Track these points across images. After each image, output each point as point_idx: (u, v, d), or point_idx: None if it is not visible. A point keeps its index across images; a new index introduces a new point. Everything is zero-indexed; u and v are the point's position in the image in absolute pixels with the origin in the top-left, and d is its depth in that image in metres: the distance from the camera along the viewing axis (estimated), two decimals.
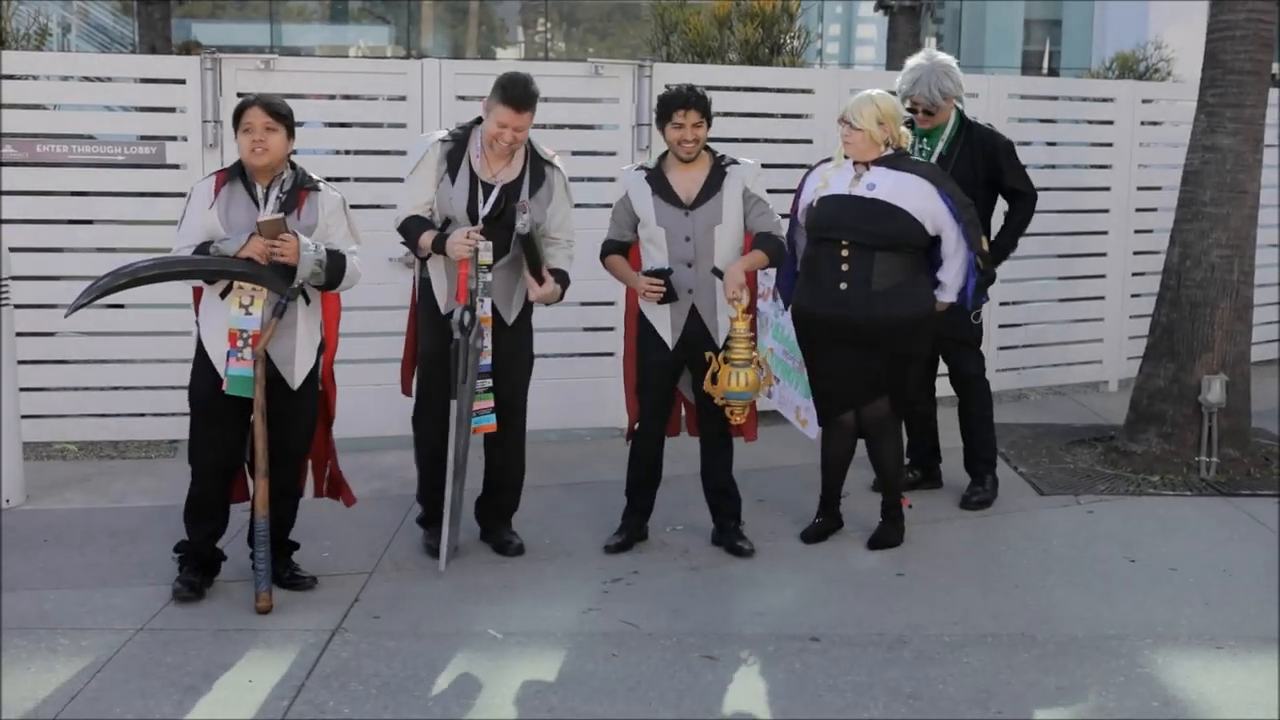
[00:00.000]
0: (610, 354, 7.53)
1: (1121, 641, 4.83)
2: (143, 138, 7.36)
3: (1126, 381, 8.55)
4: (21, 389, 6.55)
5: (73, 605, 5.10)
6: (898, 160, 5.54)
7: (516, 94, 5.30)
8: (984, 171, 6.27)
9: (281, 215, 4.96)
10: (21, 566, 5.51)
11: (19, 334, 6.50)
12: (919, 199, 5.47)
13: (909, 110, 6.15)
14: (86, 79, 7.70)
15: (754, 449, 6.24)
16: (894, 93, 5.87)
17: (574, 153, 8.04)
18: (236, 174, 5.06)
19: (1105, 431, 7.72)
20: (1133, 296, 9.26)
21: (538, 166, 5.50)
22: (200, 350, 5.10)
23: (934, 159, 6.17)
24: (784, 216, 5.86)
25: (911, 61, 6.34)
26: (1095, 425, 8.02)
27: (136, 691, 4.36)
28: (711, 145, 5.70)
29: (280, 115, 5.04)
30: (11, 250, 6.45)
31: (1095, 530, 6.14)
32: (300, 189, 5.11)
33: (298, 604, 5.12)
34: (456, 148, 5.42)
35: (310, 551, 5.56)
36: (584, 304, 7.50)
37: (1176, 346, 7.09)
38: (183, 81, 7.11)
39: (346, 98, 7.78)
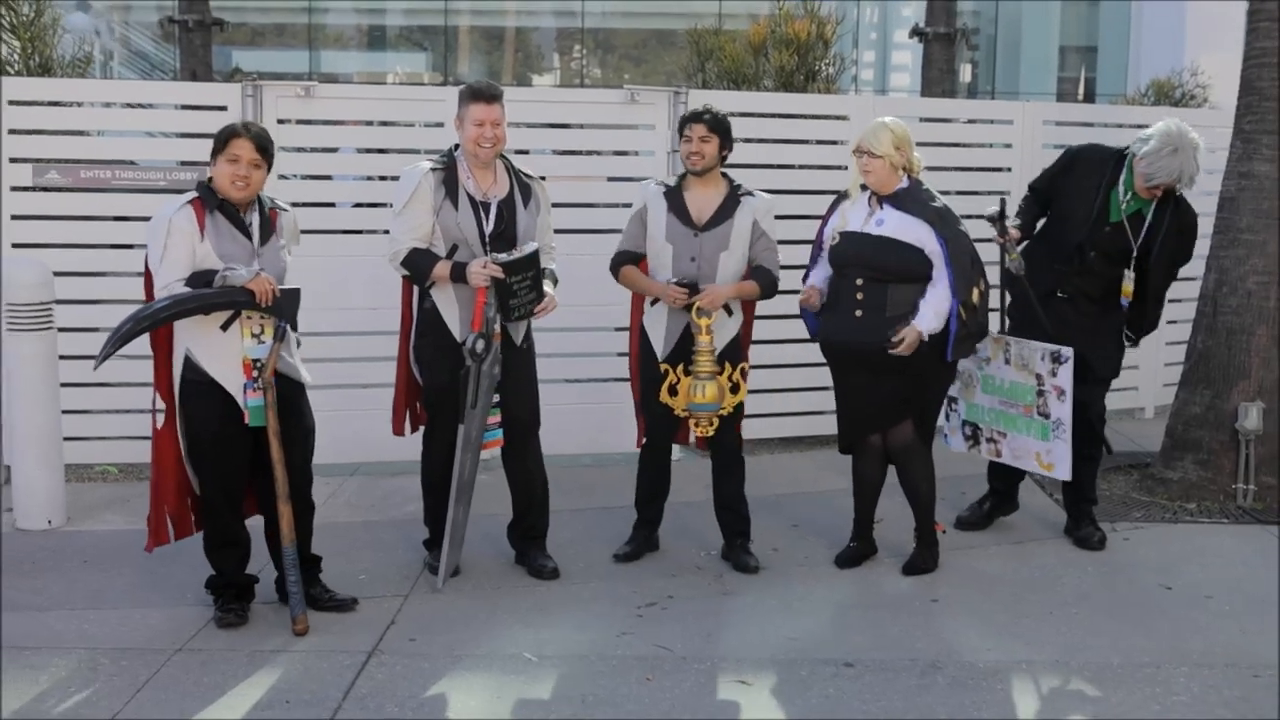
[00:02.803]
0: None
1: (1157, 670, 4.81)
2: (184, 163, 7.43)
3: (1162, 408, 8.50)
4: (63, 411, 6.62)
5: (113, 625, 5.15)
6: (906, 199, 5.61)
7: (482, 88, 5.49)
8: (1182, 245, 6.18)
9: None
10: (61, 587, 5.58)
11: (61, 357, 6.57)
12: (922, 237, 5.53)
13: (1149, 190, 5.92)
14: (129, 105, 7.80)
15: (789, 473, 6.24)
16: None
17: (609, 179, 8.11)
18: (214, 203, 4.99)
19: (1141, 458, 7.68)
20: (1169, 323, 9.20)
21: (523, 183, 5.63)
22: (193, 388, 5.03)
23: (1145, 226, 6.01)
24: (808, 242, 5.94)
25: (1171, 140, 5.84)
26: (1131, 452, 7.98)
27: (175, 710, 4.40)
28: (728, 173, 5.88)
29: (267, 152, 5.06)
30: (55, 275, 6.53)
31: (1131, 557, 6.10)
32: (270, 210, 5.17)
33: (334, 626, 5.16)
34: (449, 174, 5.49)
35: (346, 574, 5.61)
36: (619, 329, 7.52)
37: (1213, 373, 7.06)
38: (224, 108, 7.19)
39: (384, 124, 7.85)
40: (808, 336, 6.01)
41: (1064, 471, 5.92)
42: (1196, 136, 5.92)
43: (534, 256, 5.42)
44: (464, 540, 5.65)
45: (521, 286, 5.41)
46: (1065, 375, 5.84)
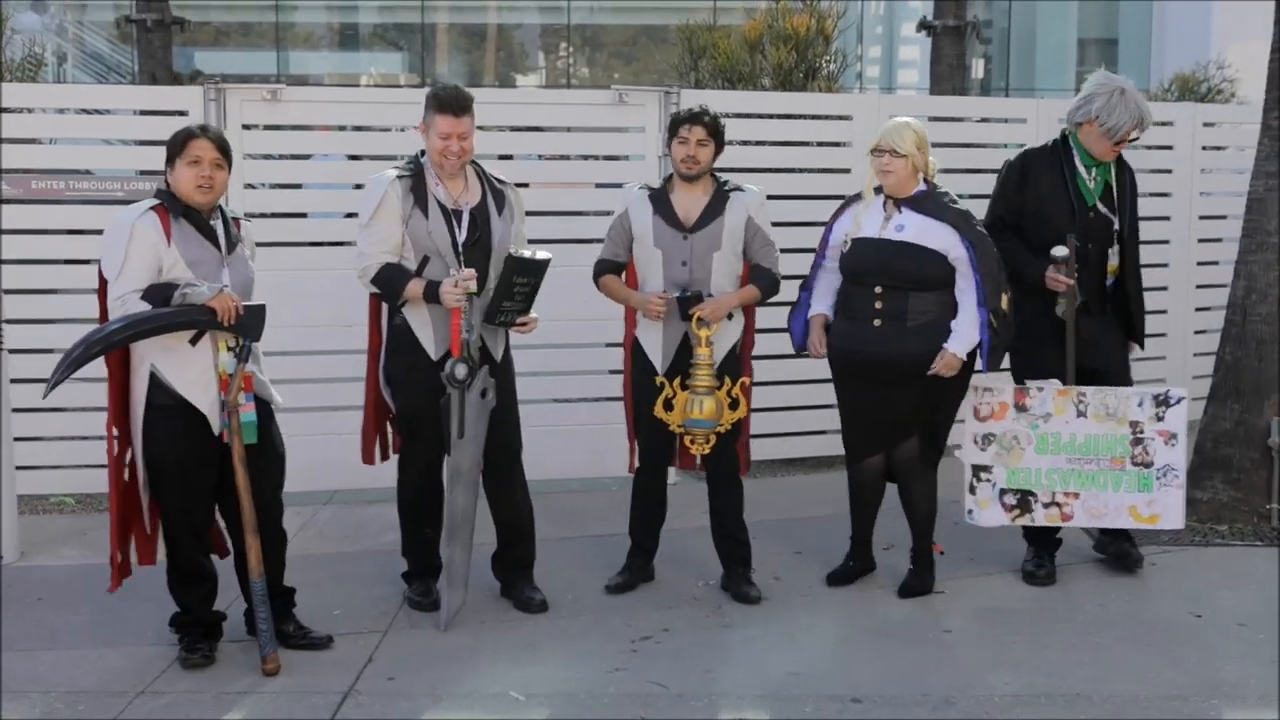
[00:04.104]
0: None
1: (1185, 702, 4.82)
2: (143, 172, 7.45)
3: (1190, 424, 8.49)
4: (16, 438, 6.62)
5: (69, 667, 5.15)
6: (926, 202, 5.68)
7: (449, 99, 5.44)
8: None
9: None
10: (15, 626, 5.57)
11: (13, 380, 6.57)
12: (947, 242, 5.60)
13: (1115, 147, 5.99)
14: (84, 111, 7.82)
15: (792, 496, 6.23)
16: (926, 121, 5.88)
17: (597, 185, 8.14)
18: (180, 210, 5.00)
19: None
20: (1196, 333, 9.26)
21: (495, 190, 5.65)
22: (158, 410, 5.02)
23: (1115, 193, 6.07)
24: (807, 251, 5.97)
25: (1109, 84, 6.01)
26: None
27: None
28: (718, 172, 5.91)
29: (227, 153, 5.09)
30: (5, 292, 6.53)
31: (1158, 583, 6.12)
32: (234, 218, 5.21)
33: (307, 665, 5.15)
34: (416, 181, 5.50)
35: (319, 609, 5.61)
36: (609, 345, 7.54)
37: (1243, 386, 7.07)
38: (185, 113, 7.20)
39: (357, 129, 7.87)
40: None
41: (1174, 520, 5.94)
42: (1127, 79, 6.08)
43: (544, 265, 5.46)
44: (468, 579, 5.65)
45: (521, 291, 5.43)
46: (1176, 417, 5.87)
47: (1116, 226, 6.09)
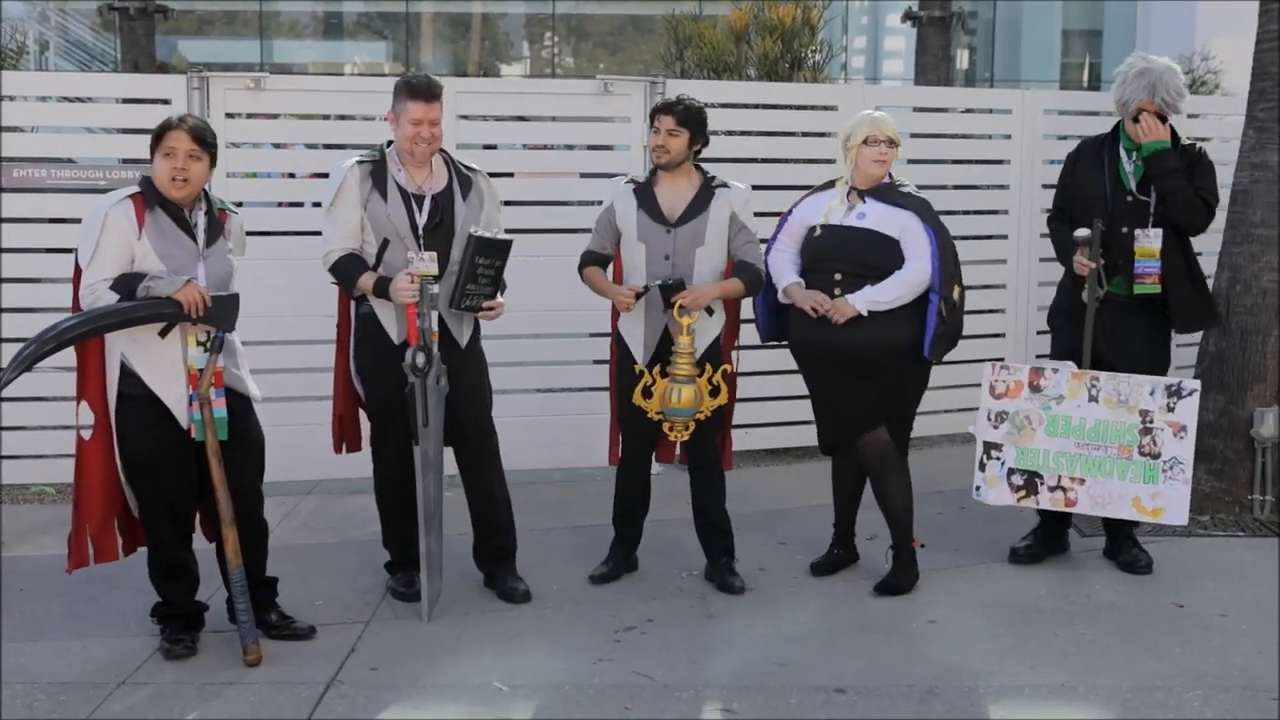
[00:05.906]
0: None
1: (1169, 693, 4.82)
2: (125, 161, 7.41)
3: None
4: None
5: (50, 658, 5.12)
6: (889, 192, 5.73)
7: (420, 86, 5.46)
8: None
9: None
10: None
11: None
12: (903, 225, 5.63)
13: (1138, 127, 5.95)
14: (66, 99, 7.77)
15: (775, 487, 6.22)
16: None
17: (582, 175, 8.12)
18: (155, 200, 4.95)
19: None
20: None
21: (463, 175, 5.64)
22: (129, 401, 4.99)
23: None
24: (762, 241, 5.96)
25: (1132, 63, 6.03)
26: None
27: None
28: (701, 165, 5.91)
29: (206, 143, 5.01)
30: None
31: (1141, 574, 6.11)
32: (220, 211, 5.15)
33: (290, 655, 5.14)
34: (377, 167, 5.51)
35: (302, 600, 5.59)
36: (593, 335, 7.53)
37: (1226, 377, 7.08)
38: (168, 101, 7.17)
39: (341, 118, 7.83)
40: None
41: (1177, 516, 5.82)
42: (1167, 60, 6.04)
43: (508, 246, 5.45)
44: (443, 567, 5.64)
45: (485, 274, 5.42)
46: (1187, 410, 5.77)
47: (1153, 211, 6.02)
